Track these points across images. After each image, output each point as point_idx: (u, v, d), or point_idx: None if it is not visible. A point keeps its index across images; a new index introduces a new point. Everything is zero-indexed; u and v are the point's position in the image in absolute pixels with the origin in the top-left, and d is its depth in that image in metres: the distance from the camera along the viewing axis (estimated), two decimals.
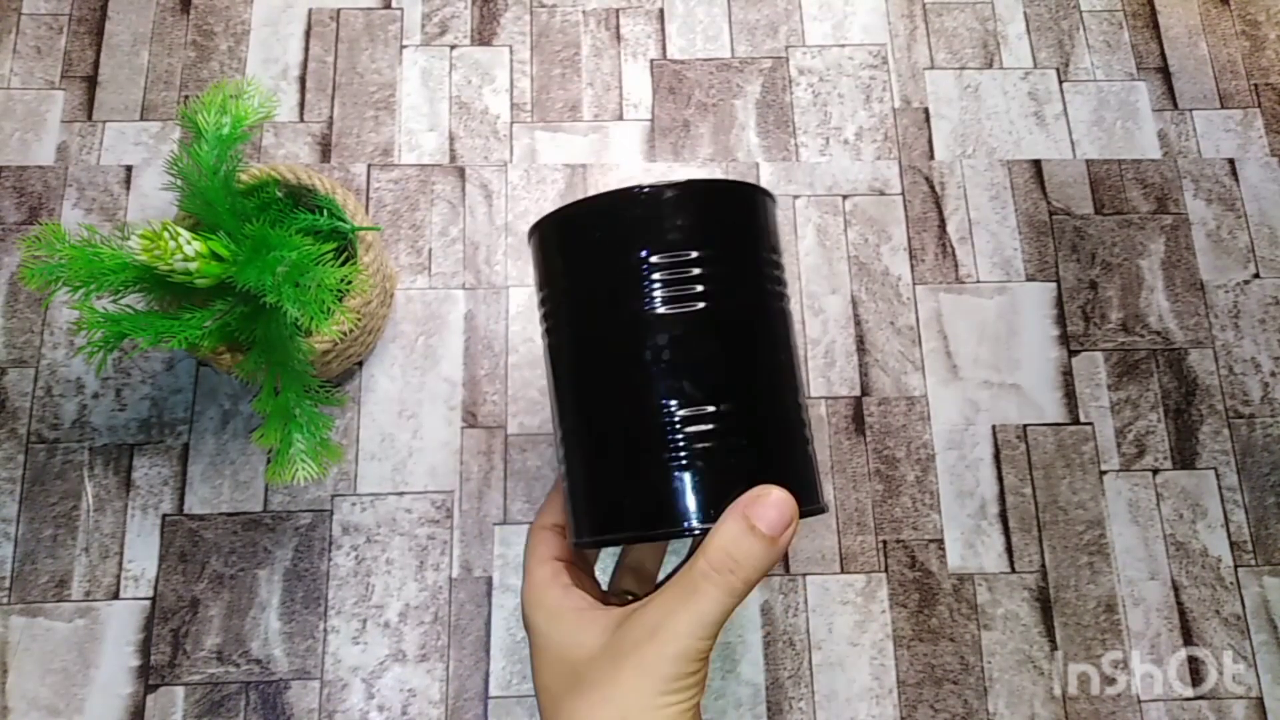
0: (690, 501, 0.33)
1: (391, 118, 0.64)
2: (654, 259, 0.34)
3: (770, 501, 0.31)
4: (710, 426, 0.34)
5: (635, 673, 0.29)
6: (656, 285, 0.34)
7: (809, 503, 0.36)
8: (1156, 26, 0.69)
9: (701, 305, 0.34)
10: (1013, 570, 0.56)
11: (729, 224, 0.36)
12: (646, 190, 0.35)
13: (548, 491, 0.39)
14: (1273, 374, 0.60)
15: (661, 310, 0.34)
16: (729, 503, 0.33)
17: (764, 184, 0.63)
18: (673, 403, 0.34)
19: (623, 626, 0.30)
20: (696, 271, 0.34)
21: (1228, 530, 0.57)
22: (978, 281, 0.62)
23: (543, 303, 0.38)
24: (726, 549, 0.30)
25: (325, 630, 0.53)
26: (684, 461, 0.34)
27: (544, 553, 0.36)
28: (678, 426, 0.34)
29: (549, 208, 0.62)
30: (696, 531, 0.34)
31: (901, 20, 0.68)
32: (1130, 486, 0.58)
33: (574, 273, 0.37)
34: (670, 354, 0.34)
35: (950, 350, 0.60)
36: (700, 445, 0.33)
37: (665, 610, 0.30)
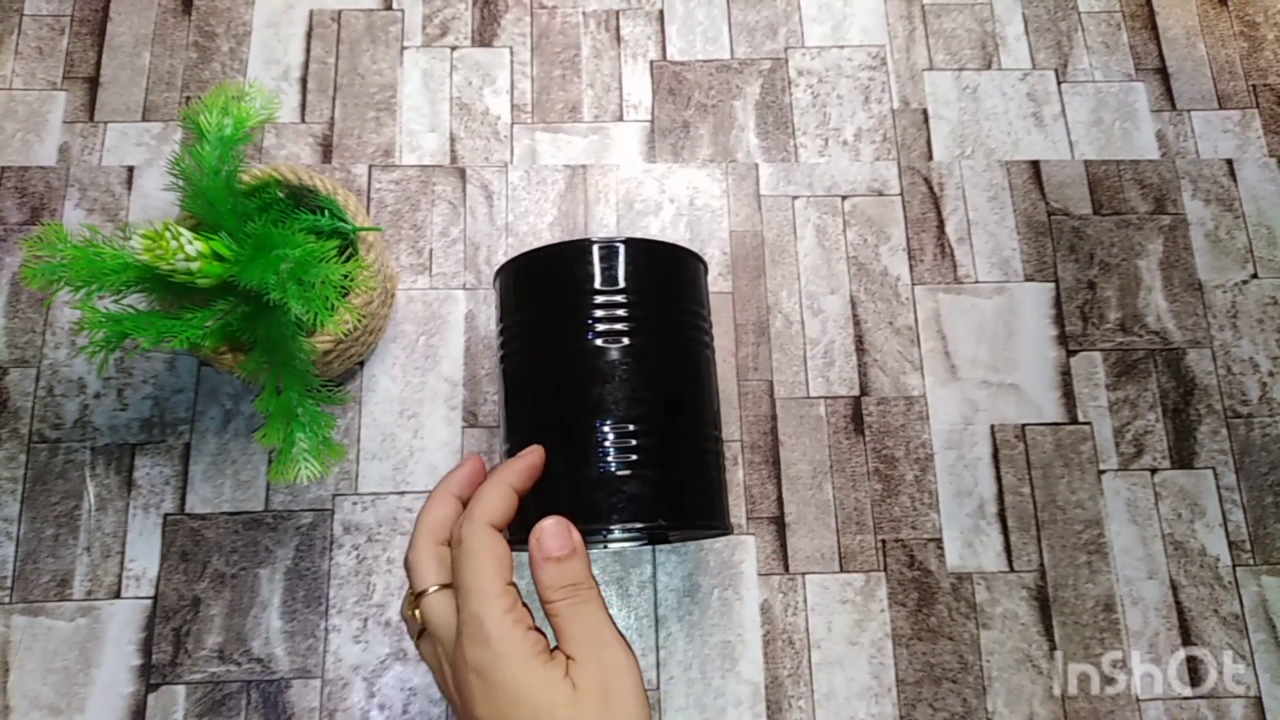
0: (607, 507, 0.39)
1: (392, 119, 0.64)
2: (594, 300, 0.41)
3: (545, 534, 0.36)
4: (630, 444, 0.39)
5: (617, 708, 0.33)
6: (594, 323, 0.41)
7: (714, 522, 0.42)
8: (1155, 27, 0.69)
9: (628, 342, 0.40)
10: (1011, 569, 0.56)
11: (660, 279, 0.43)
12: (593, 244, 0.42)
13: (481, 485, 0.39)
14: (1271, 374, 0.60)
15: (597, 344, 0.40)
16: (641, 511, 0.39)
17: (763, 185, 0.63)
18: (602, 423, 0.40)
19: (575, 676, 0.33)
20: (626, 314, 0.41)
21: (1226, 530, 0.57)
22: (976, 282, 0.62)
23: (502, 332, 0.45)
24: (549, 584, 0.35)
25: (326, 629, 0.54)
26: (607, 473, 0.39)
27: (497, 568, 0.35)
28: (605, 443, 0.39)
29: (549, 208, 0.62)
30: (613, 532, 0.39)
31: (900, 22, 0.68)
32: (1128, 486, 0.58)
33: (527, 307, 0.43)
34: (600, 381, 0.40)
35: (949, 350, 0.60)
36: (620, 460, 0.39)
37: (593, 653, 0.34)
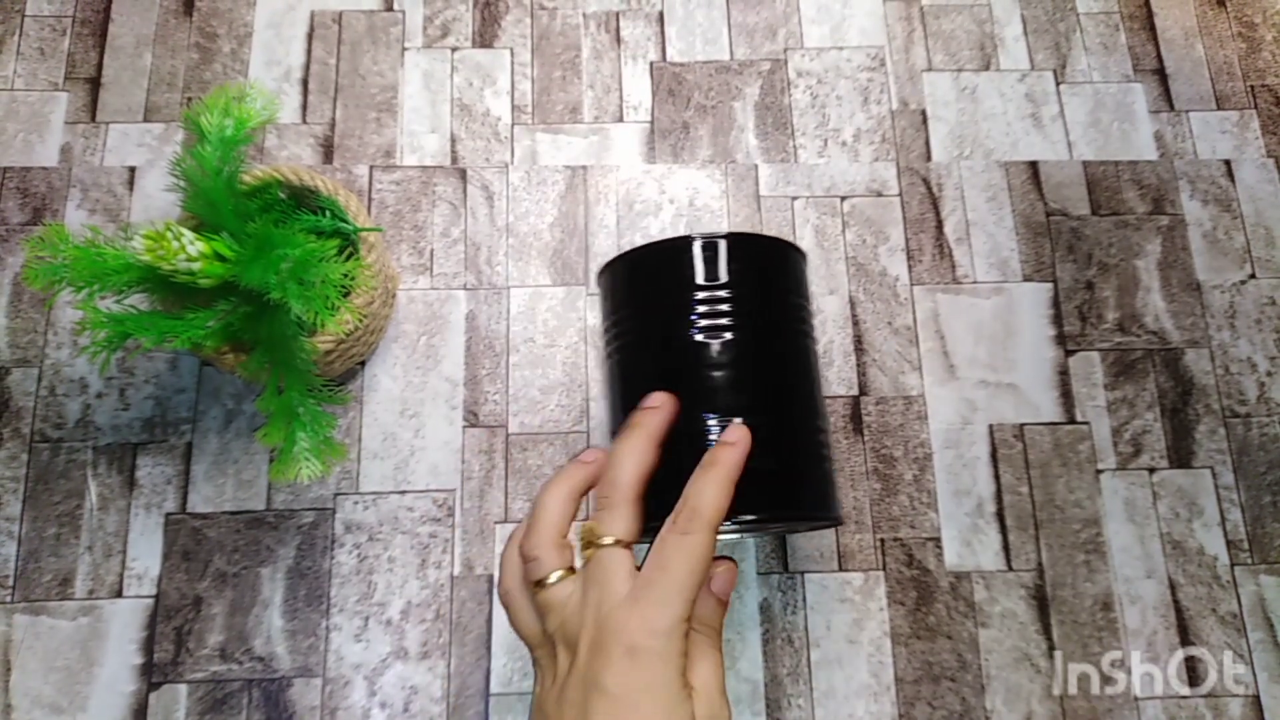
0: None
1: (393, 119, 0.64)
2: (699, 296, 0.41)
3: (727, 576, 0.37)
4: None
5: None
6: (699, 318, 0.41)
7: (826, 513, 0.42)
8: (1153, 28, 0.69)
9: (734, 336, 0.41)
10: (1010, 568, 0.56)
11: (762, 271, 0.43)
12: (697, 239, 0.42)
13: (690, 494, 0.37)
14: (1268, 374, 0.61)
15: (701, 338, 0.41)
16: (753, 503, 0.38)
17: (762, 185, 0.64)
18: (709, 416, 0.39)
19: (695, 708, 0.33)
20: (731, 308, 0.41)
21: (1224, 529, 0.57)
22: (975, 282, 0.62)
23: (608, 329, 0.45)
24: (701, 618, 0.36)
25: (327, 628, 0.54)
26: None
27: (701, 578, 0.34)
28: (712, 436, 0.39)
29: (550, 209, 0.62)
30: (725, 523, 0.39)
31: (899, 23, 0.69)
32: (1127, 485, 0.58)
33: (634, 304, 0.44)
34: (707, 375, 0.40)
35: (947, 350, 0.60)
36: None
37: (713, 699, 0.34)
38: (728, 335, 0.41)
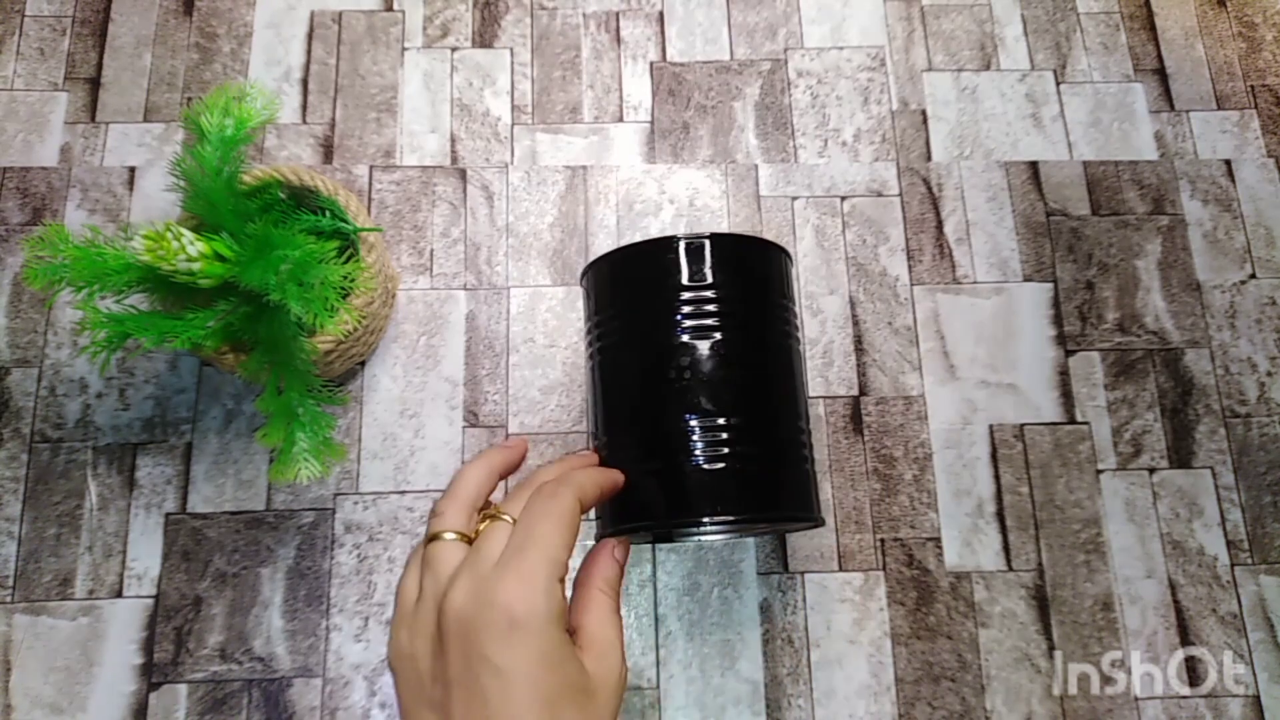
0: (702, 500, 0.40)
1: (393, 120, 0.64)
2: (683, 296, 0.41)
3: (620, 546, 0.40)
4: (720, 437, 0.40)
5: None
6: (682, 319, 0.41)
7: (806, 514, 0.42)
8: (1153, 28, 0.69)
9: (717, 336, 0.41)
10: (1010, 569, 0.56)
11: (746, 272, 0.43)
12: (680, 240, 0.42)
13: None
14: (1269, 374, 0.61)
15: (685, 339, 0.41)
16: (734, 504, 0.40)
17: (762, 185, 0.64)
18: (691, 416, 0.40)
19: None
20: (715, 309, 0.41)
21: (1224, 529, 0.57)
22: (975, 282, 0.62)
23: (591, 329, 0.45)
24: (609, 578, 0.39)
25: (327, 628, 0.54)
26: (699, 466, 0.39)
27: (575, 538, 0.37)
28: (694, 436, 0.40)
29: (550, 209, 0.62)
30: (705, 524, 0.40)
31: (900, 23, 0.69)
32: (1127, 485, 0.58)
33: (617, 304, 0.44)
34: (689, 375, 0.40)
35: (948, 350, 0.60)
36: (711, 453, 0.40)
37: (606, 654, 0.36)
38: (715, 336, 0.41)
